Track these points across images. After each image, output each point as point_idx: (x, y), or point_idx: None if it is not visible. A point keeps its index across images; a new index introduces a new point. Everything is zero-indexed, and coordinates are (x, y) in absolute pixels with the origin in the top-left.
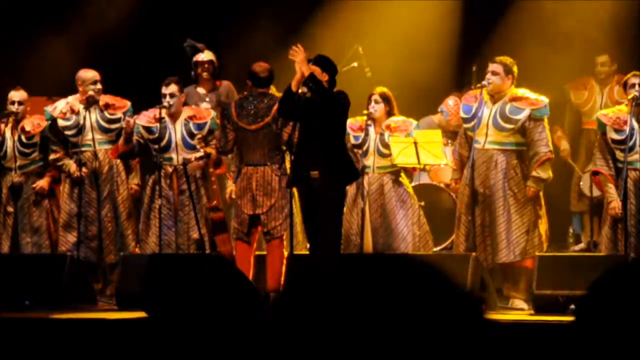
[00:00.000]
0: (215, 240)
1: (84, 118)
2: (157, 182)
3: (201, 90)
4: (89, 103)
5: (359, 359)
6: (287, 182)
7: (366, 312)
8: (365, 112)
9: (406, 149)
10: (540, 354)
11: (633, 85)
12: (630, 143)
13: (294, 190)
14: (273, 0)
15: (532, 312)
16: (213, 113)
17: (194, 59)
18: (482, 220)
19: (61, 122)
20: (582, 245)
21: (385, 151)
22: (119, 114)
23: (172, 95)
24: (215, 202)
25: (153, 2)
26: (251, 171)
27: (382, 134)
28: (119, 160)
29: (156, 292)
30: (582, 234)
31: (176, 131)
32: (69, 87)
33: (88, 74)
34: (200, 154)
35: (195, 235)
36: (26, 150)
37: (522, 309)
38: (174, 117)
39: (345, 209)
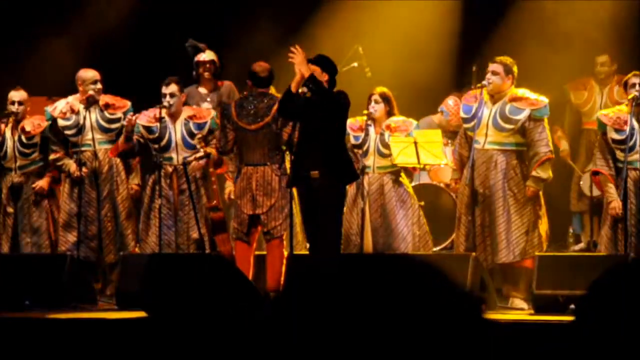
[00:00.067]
0: (215, 240)
1: (84, 118)
2: (157, 181)
3: (203, 90)
4: (89, 103)
5: (358, 358)
6: (287, 182)
7: (366, 312)
8: (365, 112)
9: (406, 148)
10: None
11: (633, 85)
12: (631, 143)
13: (294, 190)
14: (273, 0)
15: (532, 312)
16: (213, 113)
17: (196, 58)
18: (482, 220)
19: (61, 122)
20: (582, 245)
21: (385, 151)
22: (119, 114)
23: (172, 95)
24: (215, 202)
25: (153, 2)
26: (251, 171)
27: (382, 134)
28: (118, 160)
29: (156, 291)
30: (582, 233)
31: (176, 131)
32: (69, 87)
33: (88, 74)
34: (201, 154)
35: (195, 235)
36: (26, 151)
37: (522, 309)
38: (174, 116)
39: (345, 208)
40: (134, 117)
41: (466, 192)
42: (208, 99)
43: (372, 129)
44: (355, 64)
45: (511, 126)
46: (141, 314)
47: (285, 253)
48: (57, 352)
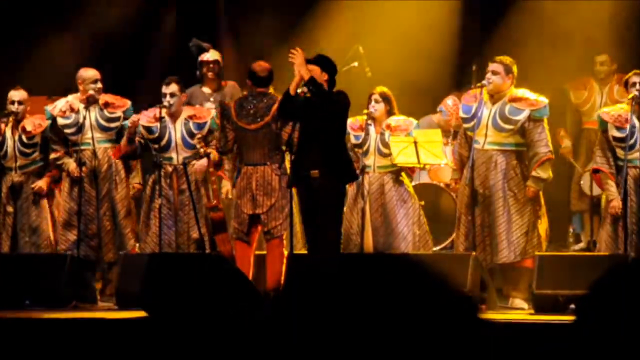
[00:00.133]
0: (215, 239)
1: (84, 117)
2: (157, 181)
3: (206, 89)
4: (89, 102)
5: (358, 358)
6: (287, 181)
7: (365, 312)
8: (365, 111)
9: (406, 148)
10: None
11: (634, 84)
12: (631, 141)
13: (294, 190)
14: (273, 0)
15: (532, 311)
16: (213, 113)
17: (200, 58)
18: (482, 220)
19: (60, 121)
20: (582, 245)
21: (385, 151)
22: (119, 113)
23: (172, 95)
24: (215, 201)
25: (153, 2)
26: (251, 171)
27: (382, 134)
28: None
29: (156, 291)
30: (582, 233)
31: (176, 131)
32: (69, 87)
33: (88, 73)
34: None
35: (195, 234)
36: (27, 150)
37: (522, 309)
38: (174, 116)
39: (345, 208)
40: (137, 119)
41: (466, 192)
42: (212, 99)
43: (372, 129)
44: (356, 64)
45: (511, 127)
46: (141, 313)
47: (285, 253)
48: (57, 352)
